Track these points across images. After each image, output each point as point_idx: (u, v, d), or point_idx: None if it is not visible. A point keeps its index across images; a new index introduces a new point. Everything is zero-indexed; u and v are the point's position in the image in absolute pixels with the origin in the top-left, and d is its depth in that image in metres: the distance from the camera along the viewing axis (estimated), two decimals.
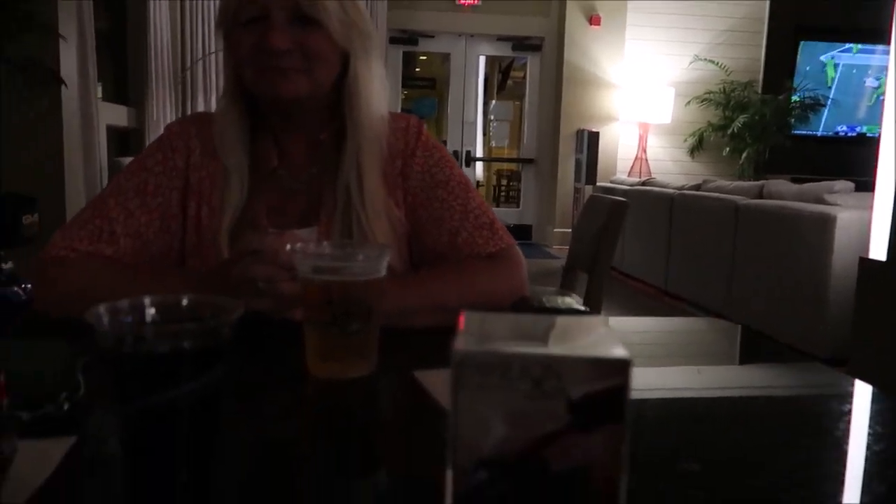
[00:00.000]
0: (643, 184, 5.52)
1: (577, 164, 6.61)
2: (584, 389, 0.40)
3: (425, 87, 9.68)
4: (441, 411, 0.64)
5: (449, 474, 0.42)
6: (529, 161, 7.54)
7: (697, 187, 4.69)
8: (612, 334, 0.44)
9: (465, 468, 0.42)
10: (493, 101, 9.60)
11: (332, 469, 0.55)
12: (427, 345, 0.89)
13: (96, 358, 0.48)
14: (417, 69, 9.60)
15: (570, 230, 6.39)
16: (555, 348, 0.41)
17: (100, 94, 4.37)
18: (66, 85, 3.47)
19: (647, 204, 5.02)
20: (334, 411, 0.68)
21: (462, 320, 0.49)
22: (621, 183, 5.89)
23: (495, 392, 0.41)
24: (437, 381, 0.72)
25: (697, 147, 7.02)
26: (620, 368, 0.40)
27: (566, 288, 2.34)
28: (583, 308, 0.80)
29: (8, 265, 3.33)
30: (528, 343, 0.43)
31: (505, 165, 9.97)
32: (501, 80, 9.75)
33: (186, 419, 0.48)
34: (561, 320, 0.49)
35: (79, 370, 0.63)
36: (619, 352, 0.41)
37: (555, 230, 6.97)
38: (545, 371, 0.40)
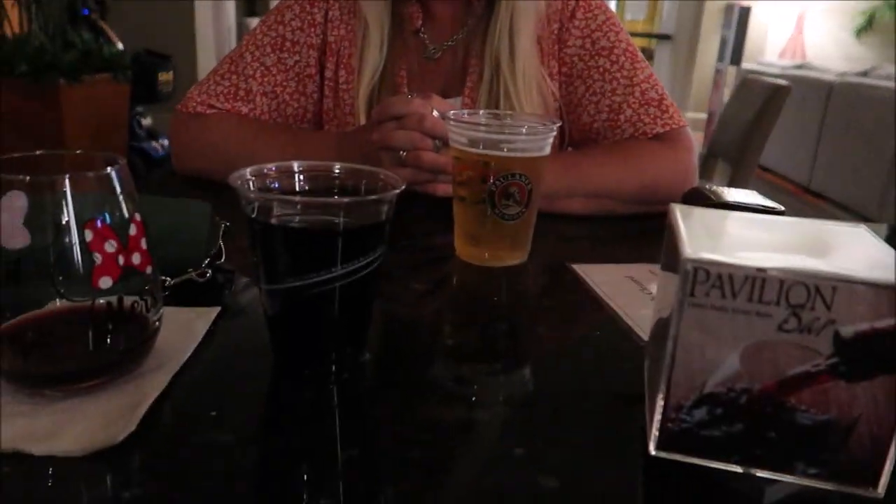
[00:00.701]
0: (797, 67, 4.94)
1: (723, 42, 5.98)
2: (860, 325, 0.30)
3: None
4: (610, 313, 0.56)
5: (658, 405, 0.34)
6: (666, 37, 6.92)
7: (864, 74, 4.14)
8: (890, 251, 0.33)
9: (679, 403, 0.34)
10: None
11: (489, 360, 0.49)
12: (578, 234, 0.80)
13: (243, 223, 0.43)
14: None
15: (705, 115, 5.92)
16: (821, 265, 0.31)
17: None
18: None
19: (799, 90, 4.49)
20: (483, 298, 0.61)
21: (676, 214, 0.39)
22: (771, 65, 5.30)
23: (736, 317, 0.31)
24: (600, 278, 0.63)
25: (866, 27, 6.14)
26: None
27: (702, 179, 2.14)
28: (777, 206, 0.67)
29: (147, 121, 3.47)
30: (780, 255, 0.33)
31: (637, 41, 9.22)
32: None
33: (337, 302, 0.42)
34: (813, 227, 0.38)
35: (221, 235, 0.59)
36: None
37: (687, 114, 6.48)
38: (811, 295, 0.30)
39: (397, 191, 0.42)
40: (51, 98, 2.51)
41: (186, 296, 0.53)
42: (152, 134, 3.49)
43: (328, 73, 0.95)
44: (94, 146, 2.75)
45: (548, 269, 0.68)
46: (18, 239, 0.38)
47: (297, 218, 0.42)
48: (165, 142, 3.45)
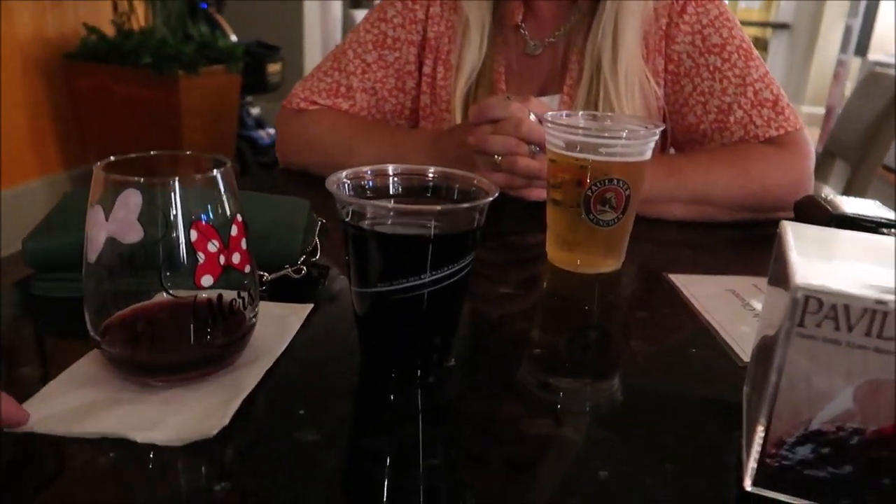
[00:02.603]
0: None
1: (847, 31, 5.58)
2: None
3: None
4: (707, 329, 0.54)
5: (757, 438, 0.32)
6: (784, 26, 6.53)
7: None
8: None
9: (781, 438, 0.31)
10: None
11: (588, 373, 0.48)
12: (677, 240, 0.77)
13: (338, 224, 0.44)
14: None
15: (822, 109, 5.55)
16: None
17: None
18: None
19: None
20: (573, 306, 0.60)
21: (787, 233, 0.37)
22: None
23: (851, 352, 0.29)
24: (699, 290, 0.60)
25: None
26: None
27: (818, 180, 2.01)
28: None
29: (255, 110, 3.63)
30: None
31: (751, 30, 8.76)
32: None
33: (425, 307, 0.43)
34: None
35: (317, 232, 0.61)
36: None
37: (803, 108, 6.09)
38: None
39: (490, 198, 0.41)
40: (170, 88, 2.66)
41: (281, 289, 0.55)
42: (260, 123, 3.64)
43: (426, 70, 0.96)
44: (207, 134, 2.90)
45: (643, 278, 0.66)
46: (133, 234, 0.40)
47: (390, 222, 0.43)
48: (272, 130, 3.59)
